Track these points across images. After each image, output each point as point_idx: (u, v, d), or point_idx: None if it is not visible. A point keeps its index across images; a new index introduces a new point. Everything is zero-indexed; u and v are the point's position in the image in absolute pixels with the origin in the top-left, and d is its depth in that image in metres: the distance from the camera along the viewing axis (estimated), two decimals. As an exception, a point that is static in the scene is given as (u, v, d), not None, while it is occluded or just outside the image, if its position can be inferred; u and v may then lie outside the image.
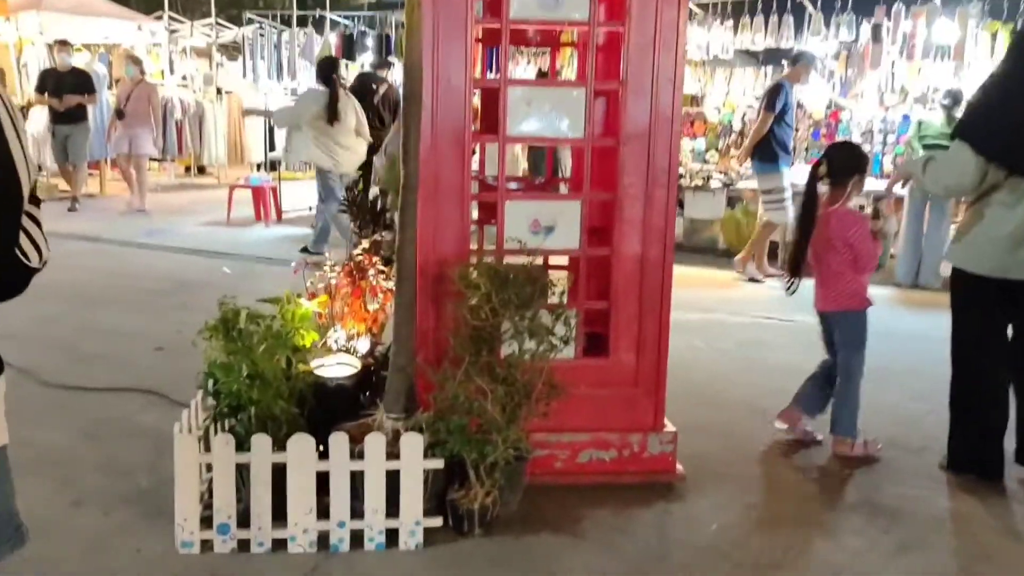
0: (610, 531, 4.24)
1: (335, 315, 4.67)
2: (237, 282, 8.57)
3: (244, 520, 3.95)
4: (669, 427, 4.81)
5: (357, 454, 3.97)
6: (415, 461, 4.01)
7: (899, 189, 6.91)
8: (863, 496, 4.71)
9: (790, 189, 9.84)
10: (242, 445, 3.92)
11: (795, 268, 5.19)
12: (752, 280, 10.21)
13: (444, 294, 4.40)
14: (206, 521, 3.95)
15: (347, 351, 4.69)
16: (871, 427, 5.26)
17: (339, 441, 3.95)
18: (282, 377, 4.16)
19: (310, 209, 12.75)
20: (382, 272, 4.73)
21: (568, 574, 3.89)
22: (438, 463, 4.05)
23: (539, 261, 4.62)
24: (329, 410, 4.42)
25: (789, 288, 5.23)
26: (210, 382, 4.33)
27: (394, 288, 4.20)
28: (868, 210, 6.92)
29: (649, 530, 4.27)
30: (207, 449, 3.96)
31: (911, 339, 7.49)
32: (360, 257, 4.77)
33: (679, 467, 4.80)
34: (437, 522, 4.11)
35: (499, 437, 4.06)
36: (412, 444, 3.99)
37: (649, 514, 4.43)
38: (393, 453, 3.96)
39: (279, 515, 3.95)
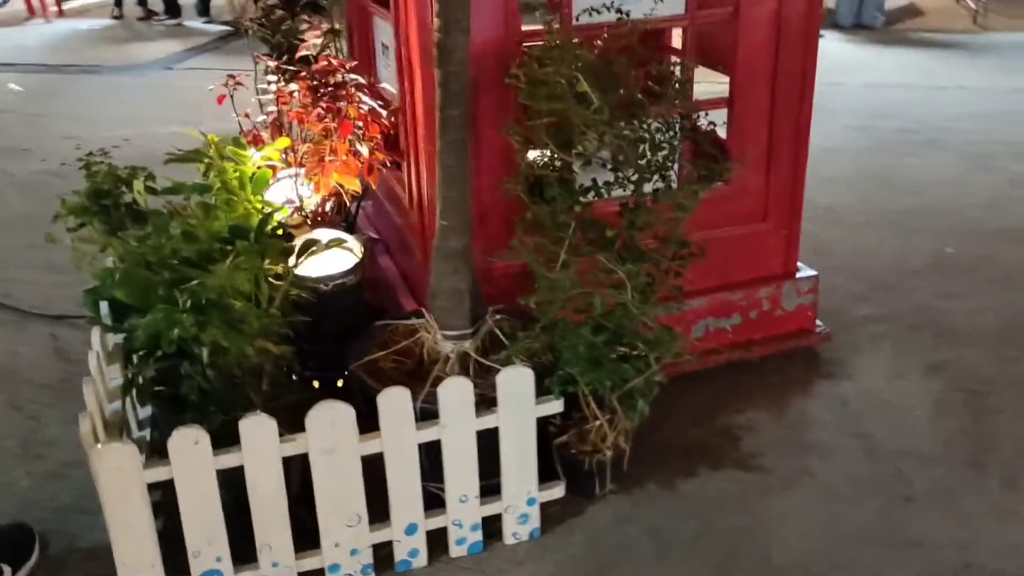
0: (789, 453, 2.83)
1: (303, 167, 2.76)
2: (48, 105, 6.13)
3: (239, 552, 2.25)
4: (806, 270, 3.36)
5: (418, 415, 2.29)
6: (524, 409, 2.37)
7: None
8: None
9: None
10: (216, 436, 2.14)
11: None
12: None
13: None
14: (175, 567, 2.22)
15: (322, 223, 2.84)
16: None
17: (399, 401, 2.24)
18: (254, 295, 2.31)
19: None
20: (360, 85, 2.80)
21: (787, 549, 2.48)
22: (555, 406, 2.44)
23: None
24: (330, 333, 2.66)
25: None
26: (104, 310, 2.46)
27: (440, 120, 2.34)
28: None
29: (843, 439, 2.90)
30: (154, 455, 2.16)
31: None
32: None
33: (818, 323, 3.41)
34: (557, 492, 2.55)
35: (647, 348, 2.46)
36: (519, 382, 2.33)
37: (822, 409, 3.05)
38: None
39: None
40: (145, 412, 2.63)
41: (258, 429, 2.13)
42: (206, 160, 2.55)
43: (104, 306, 2.59)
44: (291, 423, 2.23)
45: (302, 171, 2.80)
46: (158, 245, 2.39)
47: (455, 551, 2.45)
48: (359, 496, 2.28)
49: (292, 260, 2.45)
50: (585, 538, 2.51)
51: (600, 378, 2.42)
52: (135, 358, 2.45)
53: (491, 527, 2.47)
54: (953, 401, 3.08)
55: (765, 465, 2.78)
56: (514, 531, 2.49)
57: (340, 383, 2.83)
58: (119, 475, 2.08)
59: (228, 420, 2.26)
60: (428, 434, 2.29)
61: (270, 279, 2.30)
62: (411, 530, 2.38)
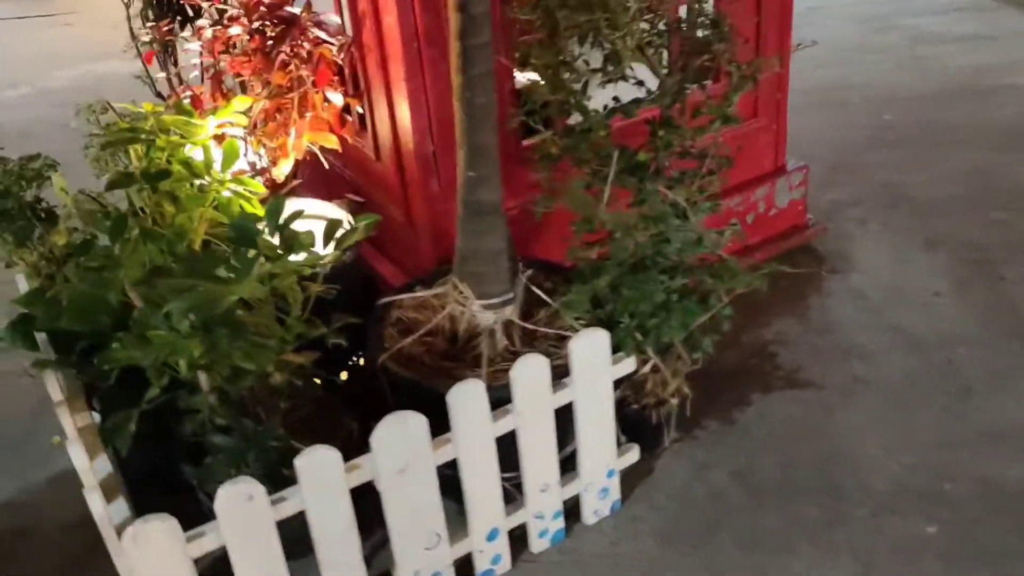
0: (833, 362, 2.67)
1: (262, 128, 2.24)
2: None
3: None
4: (793, 162, 3.17)
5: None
6: (601, 376, 2.06)
7: None
8: None
9: None
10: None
11: None
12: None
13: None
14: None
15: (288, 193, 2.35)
16: None
17: (475, 395, 1.87)
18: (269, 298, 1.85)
19: None
20: (318, 21, 2.28)
21: (881, 469, 2.33)
22: (628, 365, 2.13)
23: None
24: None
25: None
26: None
27: (460, 52, 1.89)
28: None
29: (878, 336, 2.76)
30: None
31: None
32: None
33: (809, 217, 3.25)
34: (633, 456, 2.27)
35: (717, 282, 2.18)
36: (595, 347, 2.01)
37: (845, 307, 2.90)
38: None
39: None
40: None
41: (320, 464, 1.72)
42: (144, 137, 2.01)
43: (41, 340, 2.06)
44: (310, 438, 1.83)
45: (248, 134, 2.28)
46: (112, 257, 1.87)
47: (538, 545, 2.14)
48: (438, 513, 1.93)
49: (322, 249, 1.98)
50: (670, 498, 2.26)
51: (672, 323, 2.12)
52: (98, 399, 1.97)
53: (566, 510, 2.17)
54: (966, 276, 3.00)
55: (815, 380, 2.60)
56: (595, 509, 2.21)
57: (344, 377, 2.41)
58: (160, 557, 1.63)
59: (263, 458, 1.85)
60: (504, 425, 1.95)
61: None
62: (493, 536, 2.05)
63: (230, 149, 2.00)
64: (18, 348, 2.07)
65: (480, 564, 2.06)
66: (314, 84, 2.14)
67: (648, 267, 2.10)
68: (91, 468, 1.75)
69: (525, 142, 2.53)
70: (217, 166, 2.05)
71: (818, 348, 2.72)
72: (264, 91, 2.17)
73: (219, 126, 2.07)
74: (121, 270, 1.85)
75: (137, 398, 1.97)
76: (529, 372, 1.92)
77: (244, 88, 2.41)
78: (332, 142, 2.24)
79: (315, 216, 2.22)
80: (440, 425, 1.88)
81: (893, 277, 3.01)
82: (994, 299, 2.88)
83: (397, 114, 2.40)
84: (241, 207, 1.97)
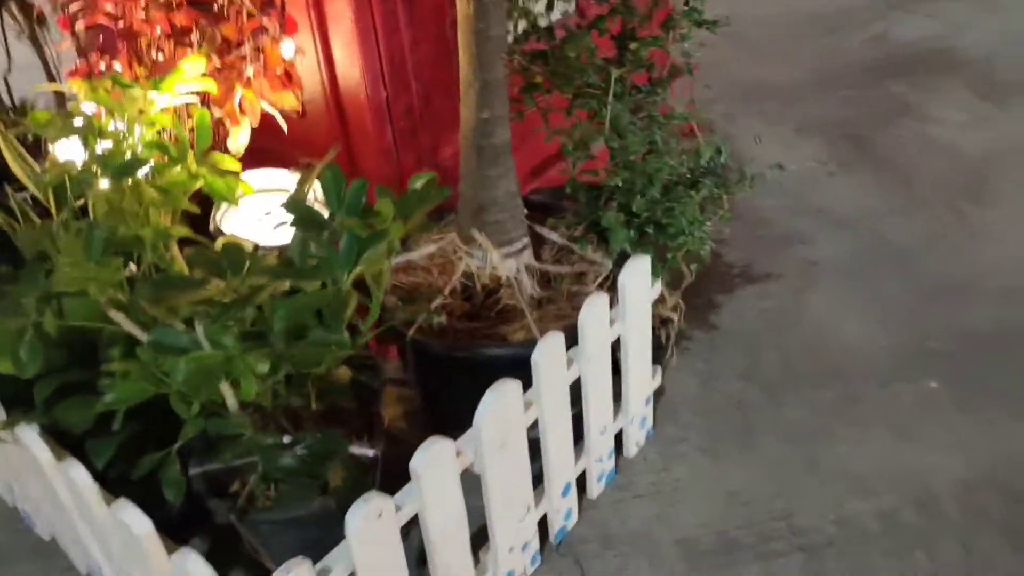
0: (779, 250, 2.78)
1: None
2: None
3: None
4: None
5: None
6: (644, 303, 1.99)
7: None
8: None
9: None
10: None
11: None
12: None
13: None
14: None
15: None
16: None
17: (556, 350, 1.72)
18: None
19: None
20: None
21: (866, 336, 2.46)
22: (657, 288, 2.07)
23: None
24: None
25: None
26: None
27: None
28: None
29: (801, 220, 2.89)
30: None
31: None
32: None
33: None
34: (658, 380, 2.23)
35: (723, 190, 2.16)
36: (640, 275, 1.92)
37: (763, 200, 2.98)
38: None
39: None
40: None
41: (438, 459, 1.52)
42: (82, 118, 1.62)
43: None
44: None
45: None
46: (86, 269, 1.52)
47: (596, 490, 2.06)
48: (528, 482, 1.79)
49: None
50: (694, 413, 2.25)
51: (700, 236, 2.07)
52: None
53: (615, 447, 2.11)
54: (847, 152, 3.22)
55: (771, 271, 2.68)
56: (636, 440, 2.16)
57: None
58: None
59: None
60: (573, 373, 1.83)
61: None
62: (566, 491, 1.94)
63: (203, 123, 1.66)
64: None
65: (555, 523, 1.95)
66: (282, 31, 1.81)
67: (673, 183, 2.03)
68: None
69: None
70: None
71: (762, 241, 2.81)
72: (202, 48, 1.81)
73: (172, 94, 1.70)
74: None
75: (142, 439, 1.66)
76: (596, 312, 1.80)
77: (139, 59, 2.00)
78: (291, 101, 1.93)
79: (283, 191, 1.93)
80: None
81: (790, 163, 3.15)
82: (884, 170, 3.11)
83: (337, 58, 2.12)
84: (228, 189, 1.65)
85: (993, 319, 2.46)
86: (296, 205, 1.46)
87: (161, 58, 1.84)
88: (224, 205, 1.94)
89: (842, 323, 2.48)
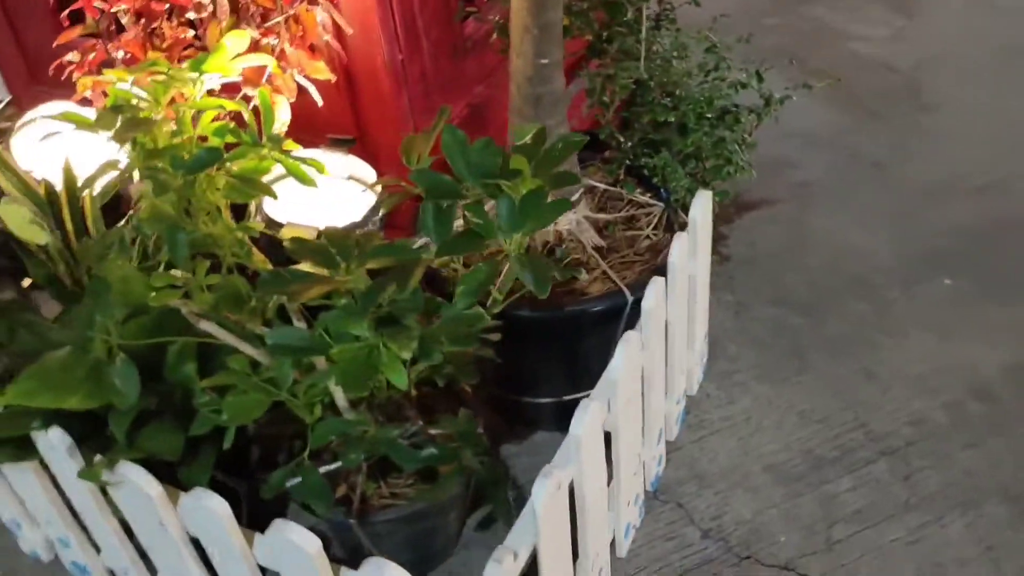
0: (771, 177, 2.80)
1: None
2: None
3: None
4: None
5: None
6: (708, 235, 1.97)
7: None
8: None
9: None
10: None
11: None
12: None
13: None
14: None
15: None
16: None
17: (660, 293, 1.68)
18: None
19: None
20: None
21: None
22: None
23: None
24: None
25: None
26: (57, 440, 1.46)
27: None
28: None
29: (787, 147, 2.94)
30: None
31: None
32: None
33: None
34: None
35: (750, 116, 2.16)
36: (706, 209, 1.90)
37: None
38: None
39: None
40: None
41: (593, 422, 1.46)
42: (134, 113, 1.44)
43: (56, 436, 1.47)
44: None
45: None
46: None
47: (674, 431, 2.05)
48: (640, 433, 1.75)
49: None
50: (739, 344, 2.27)
51: (740, 164, 2.07)
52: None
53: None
54: (794, 76, 3.28)
55: (769, 197, 2.70)
56: (697, 378, 2.15)
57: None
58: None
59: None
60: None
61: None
62: (660, 437, 1.91)
63: (266, 102, 1.50)
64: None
65: (650, 471, 1.93)
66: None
67: (721, 113, 2.01)
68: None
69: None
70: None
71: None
72: (226, 21, 1.62)
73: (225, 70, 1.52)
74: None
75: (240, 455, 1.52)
76: (682, 250, 1.77)
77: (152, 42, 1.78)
78: (323, 72, 1.77)
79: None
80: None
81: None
82: (834, 91, 3.20)
83: (349, 21, 1.96)
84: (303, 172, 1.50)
85: (977, 214, 2.60)
86: (424, 175, 1.34)
87: (189, 34, 1.65)
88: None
89: (848, 237, 2.56)
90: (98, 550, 1.77)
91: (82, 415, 1.53)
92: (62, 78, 1.78)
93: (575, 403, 1.44)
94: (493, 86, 2.41)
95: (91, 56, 1.72)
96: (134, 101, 1.45)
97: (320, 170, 1.52)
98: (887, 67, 3.33)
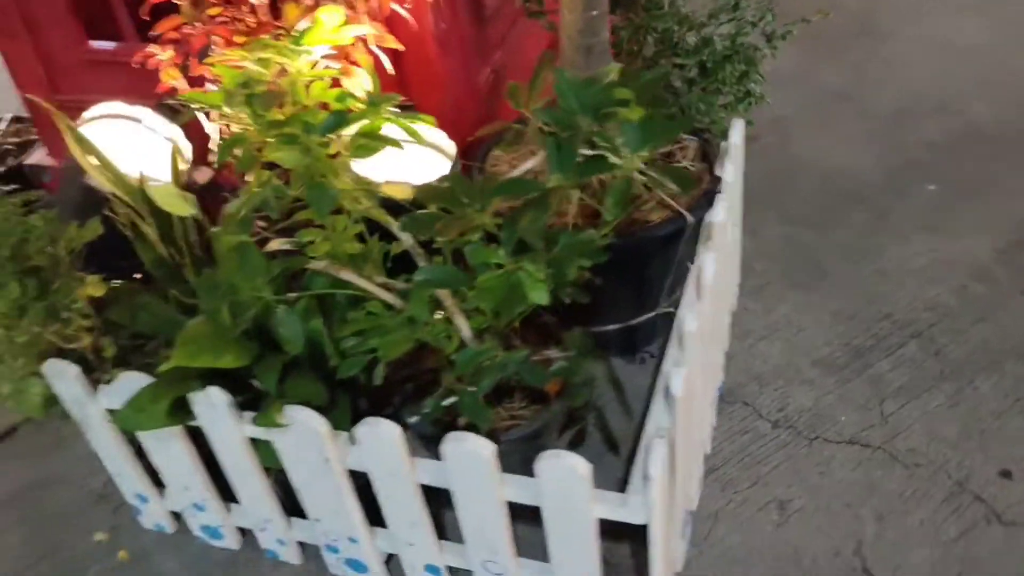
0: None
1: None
2: None
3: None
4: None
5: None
6: (740, 159, 2.18)
7: None
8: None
9: None
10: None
11: None
12: None
13: None
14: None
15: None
16: None
17: (724, 224, 1.88)
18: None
19: None
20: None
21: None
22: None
23: None
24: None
25: None
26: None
27: None
28: None
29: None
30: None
31: None
32: None
33: None
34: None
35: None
36: (740, 133, 2.11)
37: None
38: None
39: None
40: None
41: (699, 325, 1.65)
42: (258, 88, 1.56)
43: (216, 394, 1.58)
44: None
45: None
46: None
47: (727, 342, 2.26)
48: (724, 334, 1.96)
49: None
50: (762, 260, 2.50)
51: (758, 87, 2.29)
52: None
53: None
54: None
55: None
56: (735, 292, 2.37)
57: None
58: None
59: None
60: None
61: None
62: (721, 389, 2.13)
63: (371, 70, 1.64)
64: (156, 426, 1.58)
65: (717, 376, 2.14)
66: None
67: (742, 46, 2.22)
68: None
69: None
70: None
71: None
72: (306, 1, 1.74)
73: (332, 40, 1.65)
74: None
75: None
76: (730, 171, 1.97)
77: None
78: (394, 42, 1.90)
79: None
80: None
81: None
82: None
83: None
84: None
85: (942, 130, 2.90)
86: (549, 112, 1.51)
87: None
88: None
89: (832, 160, 2.83)
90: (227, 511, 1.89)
91: (222, 377, 1.66)
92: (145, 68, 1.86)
93: (639, 327, 1.61)
94: (508, 51, 2.58)
95: (164, 55, 1.81)
96: (252, 79, 1.57)
97: (414, 135, 1.67)
98: (834, 5, 3.61)
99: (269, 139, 1.56)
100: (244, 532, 1.96)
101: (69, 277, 1.64)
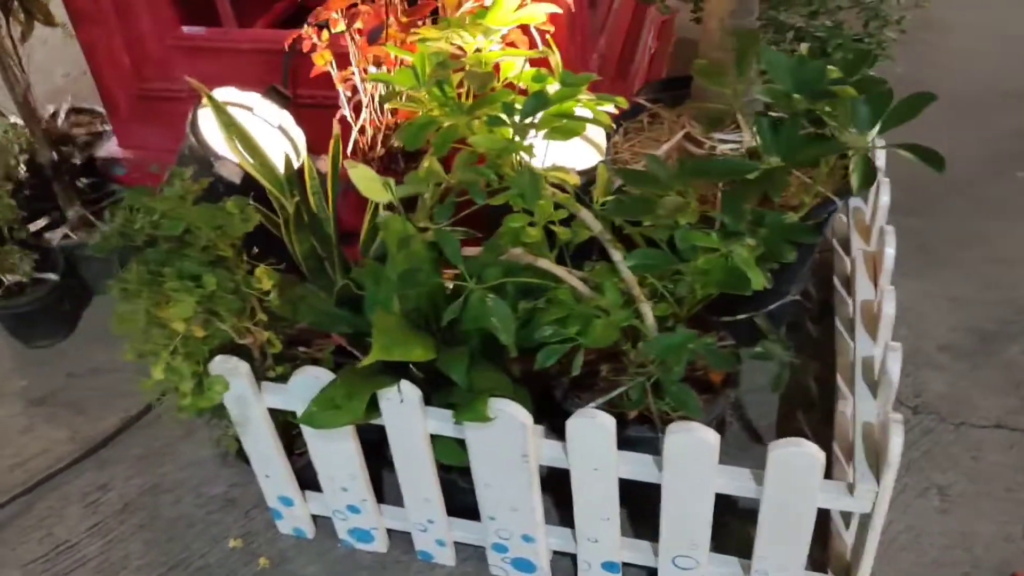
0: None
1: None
2: None
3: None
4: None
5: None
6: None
7: None
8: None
9: None
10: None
11: None
12: None
13: None
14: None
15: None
16: None
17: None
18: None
19: None
20: None
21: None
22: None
23: None
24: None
25: None
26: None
27: None
28: None
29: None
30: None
31: None
32: None
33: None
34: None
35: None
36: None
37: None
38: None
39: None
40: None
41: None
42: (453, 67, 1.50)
43: (408, 389, 1.52)
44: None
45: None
46: None
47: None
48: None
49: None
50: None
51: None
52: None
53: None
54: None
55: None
56: (853, 281, 2.36)
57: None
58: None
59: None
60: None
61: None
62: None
63: (555, 52, 1.58)
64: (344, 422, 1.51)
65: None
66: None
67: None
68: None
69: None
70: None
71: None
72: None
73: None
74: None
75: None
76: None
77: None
78: (554, 9, 1.83)
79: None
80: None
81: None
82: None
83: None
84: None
85: (1016, 117, 2.92)
86: (769, 91, 1.47)
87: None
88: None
89: (921, 148, 2.82)
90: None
91: (403, 372, 1.59)
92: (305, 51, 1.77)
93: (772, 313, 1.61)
94: (608, 36, 2.53)
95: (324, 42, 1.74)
96: (445, 59, 1.50)
97: (601, 117, 1.61)
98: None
99: (462, 121, 1.50)
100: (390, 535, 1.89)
101: (242, 269, 1.56)
